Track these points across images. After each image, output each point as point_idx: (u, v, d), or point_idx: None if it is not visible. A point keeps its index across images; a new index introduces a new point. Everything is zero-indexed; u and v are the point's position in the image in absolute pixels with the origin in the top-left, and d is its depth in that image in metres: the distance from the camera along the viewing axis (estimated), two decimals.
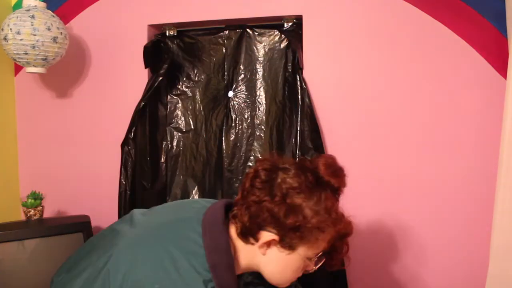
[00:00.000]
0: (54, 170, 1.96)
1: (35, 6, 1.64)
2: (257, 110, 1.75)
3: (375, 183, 1.61)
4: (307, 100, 1.61)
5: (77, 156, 1.92)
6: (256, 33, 1.76)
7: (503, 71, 1.47)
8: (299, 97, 1.62)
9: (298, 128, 1.63)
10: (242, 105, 1.77)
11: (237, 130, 1.77)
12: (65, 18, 1.85)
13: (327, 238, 0.90)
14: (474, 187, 1.52)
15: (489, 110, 1.50)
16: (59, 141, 1.95)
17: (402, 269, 1.61)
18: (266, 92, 1.74)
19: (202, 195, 1.79)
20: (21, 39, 1.61)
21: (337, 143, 1.64)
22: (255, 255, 0.90)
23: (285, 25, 1.69)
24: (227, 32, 1.78)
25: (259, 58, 1.76)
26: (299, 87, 1.62)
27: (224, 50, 1.79)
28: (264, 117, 1.74)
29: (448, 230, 1.56)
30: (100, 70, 1.88)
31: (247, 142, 1.75)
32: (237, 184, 1.75)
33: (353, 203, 1.63)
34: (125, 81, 1.84)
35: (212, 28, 1.80)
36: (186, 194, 1.80)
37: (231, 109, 1.78)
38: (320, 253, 0.92)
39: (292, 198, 0.85)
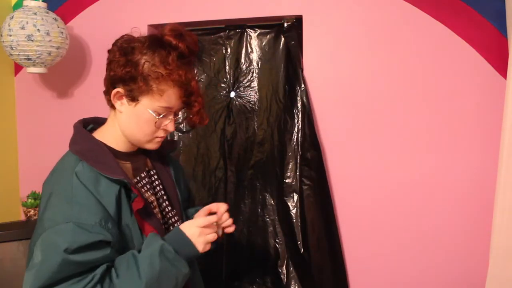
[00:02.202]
0: None
1: (38, 6, 1.65)
2: (258, 110, 1.75)
3: (374, 182, 1.61)
4: (307, 99, 1.61)
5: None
6: (256, 33, 1.76)
7: (503, 71, 1.47)
8: (300, 96, 1.62)
9: (299, 127, 1.63)
10: (244, 105, 1.77)
11: (238, 130, 1.77)
12: (65, 18, 1.85)
13: (166, 91, 0.95)
14: (474, 187, 1.52)
15: (489, 110, 1.49)
16: (59, 141, 1.94)
17: (402, 269, 1.61)
18: (267, 92, 1.74)
19: (202, 195, 1.79)
20: (3, 41, 1.63)
21: (336, 142, 1.64)
22: (118, 117, 1.00)
23: (285, 25, 1.69)
24: (227, 32, 1.78)
25: (260, 58, 1.76)
26: (299, 87, 1.63)
27: (224, 50, 1.79)
28: (265, 117, 1.74)
29: (448, 230, 1.56)
30: (100, 70, 1.87)
31: (248, 142, 1.75)
32: (237, 185, 1.75)
33: (353, 203, 1.64)
34: None
35: (212, 28, 1.80)
36: None
37: (233, 109, 1.78)
38: (171, 109, 0.99)
39: (131, 54, 0.95)
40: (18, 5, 1.84)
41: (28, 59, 1.65)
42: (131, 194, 0.93)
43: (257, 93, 1.75)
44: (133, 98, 0.96)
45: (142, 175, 1.05)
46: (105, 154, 0.96)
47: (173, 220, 1.08)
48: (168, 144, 1.16)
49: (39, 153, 1.98)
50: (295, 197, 1.64)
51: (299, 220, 1.62)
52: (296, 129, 1.64)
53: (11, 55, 1.66)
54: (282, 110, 1.70)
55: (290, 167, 1.65)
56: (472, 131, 1.52)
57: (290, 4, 1.65)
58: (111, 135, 1.02)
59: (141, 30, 1.79)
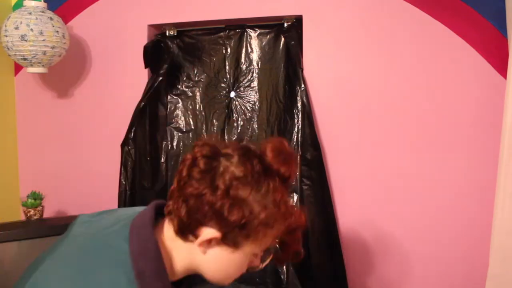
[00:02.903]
0: (54, 170, 1.96)
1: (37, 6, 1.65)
2: (258, 110, 1.75)
3: (374, 182, 1.61)
4: (307, 99, 1.61)
5: (77, 156, 1.92)
6: (256, 33, 1.76)
7: (503, 71, 1.47)
8: (300, 96, 1.62)
9: (299, 127, 1.63)
10: (244, 105, 1.77)
11: (238, 130, 1.77)
12: (65, 18, 1.85)
13: (276, 233, 0.78)
14: (474, 187, 1.52)
15: (489, 110, 1.49)
16: (59, 141, 1.95)
17: (401, 269, 1.61)
18: (267, 92, 1.74)
19: None
20: (2, 41, 1.64)
21: (336, 142, 1.64)
22: (195, 255, 0.77)
23: (285, 25, 1.69)
24: (227, 32, 1.78)
25: (260, 58, 1.76)
26: (299, 87, 1.63)
27: (224, 50, 1.79)
28: (265, 117, 1.74)
29: (448, 230, 1.56)
30: (100, 70, 1.88)
31: (248, 142, 1.75)
32: None
33: (353, 203, 1.64)
34: (125, 81, 1.84)
35: (212, 28, 1.80)
36: None
37: (233, 109, 1.78)
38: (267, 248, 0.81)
39: (236, 190, 0.72)
40: (18, 5, 1.84)
41: (24, 59, 1.65)
42: None
43: (257, 93, 1.75)
44: (234, 245, 0.75)
45: None
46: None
47: None
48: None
49: (39, 153, 1.98)
50: (295, 197, 1.63)
51: None
52: (296, 129, 1.64)
53: (9, 55, 1.67)
54: (282, 110, 1.70)
55: None
56: (472, 131, 1.52)
57: (290, 4, 1.65)
58: (169, 261, 0.78)
59: (141, 30, 1.80)
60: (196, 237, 0.75)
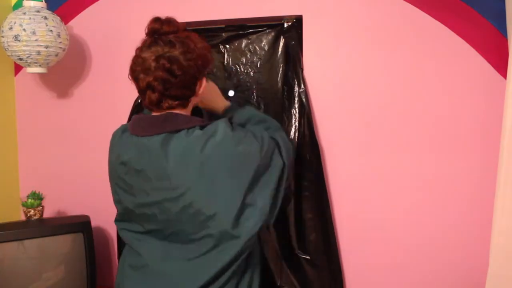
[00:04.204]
0: (54, 170, 1.96)
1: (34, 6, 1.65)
2: (257, 109, 1.75)
3: (374, 182, 1.61)
4: (306, 99, 1.61)
5: (77, 156, 1.92)
6: (256, 33, 1.76)
7: (503, 71, 1.47)
8: (298, 97, 1.62)
9: (297, 128, 1.63)
10: (243, 104, 1.77)
11: None
12: (65, 18, 1.85)
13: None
14: (474, 187, 1.52)
15: (489, 110, 1.49)
16: (59, 141, 1.95)
17: (400, 269, 1.61)
18: (265, 92, 1.74)
19: None
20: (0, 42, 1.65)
21: (336, 142, 1.64)
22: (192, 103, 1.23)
23: (285, 25, 1.69)
24: (227, 32, 1.78)
25: (259, 58, 1.76)
26: (299, 87, 1.63)
27: (224, 50, 1.79)
28: None
29: (448, 230, 1.56)
30: (100, 70, 1.88)
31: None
32: None
33: (352, 203, 1.64)
34: (125, 81, 1.83)
35: (212, 28, 1.80)
36: None
37: None
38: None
39: (169, 59, 1.12)
40: (18, 5, 1.85)
41: (20, 59, 1.65)
42: None
43: (256, 93, 1.75)
44: (206, 78, 1.22)
45: None
46: None
47: None
48: None
49: (39, 153, 1.98)
50: (291, 196, 1.63)
51: (294, 220, 1.62)
52: (293, 129, 1.64)
53: (8, 55, 1.67)
54: (280, 110, 1.70)
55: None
56: (472, 131, 1.52)
57: (290, 4, 1.65)
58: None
59: (141, 30, 1.79)
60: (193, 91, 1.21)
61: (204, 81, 1.19)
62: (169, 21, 1.20)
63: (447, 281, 1.57)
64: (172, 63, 1.10)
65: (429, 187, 1.56)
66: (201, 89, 1.18)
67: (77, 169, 1.92)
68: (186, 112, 1.19)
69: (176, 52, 1.11)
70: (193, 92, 1.16)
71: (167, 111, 1.14)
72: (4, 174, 1.92)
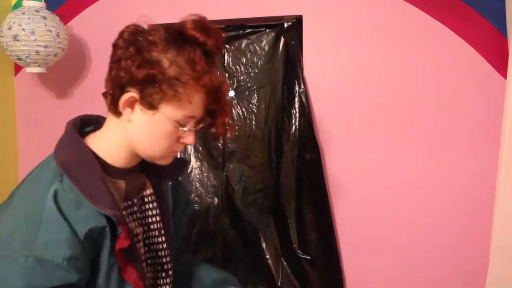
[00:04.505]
0: None
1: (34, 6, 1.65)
2: (257, 110, 1.75)
3: (373, 183, 1.61)
4: (306, 100, 1.61)
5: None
6: (256, 33, 1.76)
7: (503, 71, 1.47)
8: (298, 97, 1.62)
9: (297, 128, 1.63)
10: (242, 104, 1.77)
11: (237, 129, 1.77)
12: (65, 18, 1.85)
13: (194, 97, 0.80)
14: (474, 187, 1.52)
15: (489, 110, 1.49)
16: None
17: (400, 269, 1.61)
18: (265, 92, 1.74)
19: (201, 193, 1.79)
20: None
21: (335, 142, 1.64)
22: (125, 127, 0.82)
23: (285, 25, 1.69)
24: (227, 32, 1.78)
25: (259, 58, 1.76)
26: (299, 87, 1.63)
27: (224, 50, 1.79)
28: (263, 117, 1.74)
29: (448, 230, 1.56)
30: (100, 70, 1.87)
31: (246, 142, 1.75)
32: (236, 184, 1.75)
33: (352, 203, 1.64)
34: None
35: None
36: None
37: (232, 109, 1.78)
38: (194, 119, 0.84)
39: (148, 52, 0.78)
40: (18, 5, 1.84)
41: (19, 59, 1.65)
42: (116, 228, 0.76)
43: (256, 93, 1.75)
44: (151, 106, 0.79)
45: (135, 200, 0.89)
46: (94, 172, 0.78)
47: (162, 255, 0.92)
48: (176, 167, 0.95)
49: (39, 153, 1.97)
50: (291, 197, 1.64)
51: (294, 220, 1.62)
52: (293, 130, 1.63)
53: (7, 55, 1.67)
54: (280, 110, 1.70)
55: (286, 167, 1.65)
56: (472, 131, 1.52)
57: (290, 4, 1.65)
58: (108, 146, 0.84)
59: None
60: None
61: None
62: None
63: (447, 282, 1.56)
64: None
65: (429, 186, 1.56)
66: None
67: None
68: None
69: None
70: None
71: None
72: (4, 174, 1.92)
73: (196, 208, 1.74)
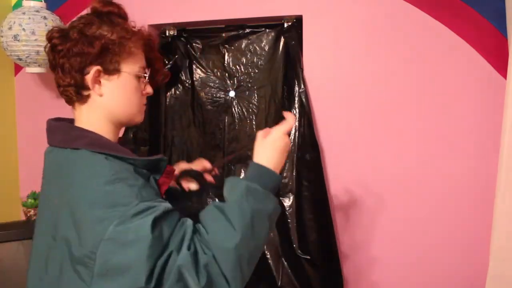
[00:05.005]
0: None
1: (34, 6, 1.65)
2: (257, 109, 1.75)
3: (373, 183, 1.61)
4: (306, 100, 1.61)
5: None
6: (256, 33, 1.76)
7: (503, 71, 1.47)
8: (298, 97, 1.62)
9: (297, 128, 1.63)
10: (243, 104, 1.77)
11: (237, 129, 1.77)
12: (65, 18, 1.84)
13: (139, 49, 0.96)
14: (474, 187, 1.52)
15: (489, 110, 1.49)
16: None
17: (400, 269, 1.61)
18: (265, 92, 1.74)
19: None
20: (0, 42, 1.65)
21: (335, 142, 1.64)
22: (99, 105, 0.93)
23: (285, 25, 1.69)
24: (227, 32, 1.78)
25: (259, 58, 1.76)
26: (299, 87, 1.63)
27: (224, 50, 1.79)
28: (263, 117, 1.74)
29: (448, 230, 1.56)
30: None
31: (246, 142, 1.75)
32: None
33: (352, 203, 1.64)
34: None
35: (212, 28, 1.80)
36: None
37: (232, 109, 1.78)
38: (145, 69, 0.97)
39: (90, 30, 0.90)
40: (18, 5, 1.84)
41: (20, 59, 1.65)
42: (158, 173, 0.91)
43: (257, 93, 1.76)
44: (114, 69, 0.91)
45: None
46: (113, 142, 0.92)
47: None
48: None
49: (39, 153, 1.97)
50: (291, 197, 1.64)
51: (294, 220, 1.62)
52: (293, 130, 1.64)
53: (7, 55, 1.67)
54: (280, 110, 1.70)
55: (286, 167, 1.65)
56: (472, 131, 1.52)
57: (290, 4, 1.65)
58: (96, 129, 0.92)
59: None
60: (88, 87, 0.91)
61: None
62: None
63: (447, 282, 1.56)
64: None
65: (429, 186, 1.56)
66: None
67: None
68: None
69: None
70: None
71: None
72: (4, 174, 1.92)
73: None
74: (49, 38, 0.93)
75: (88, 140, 0.88)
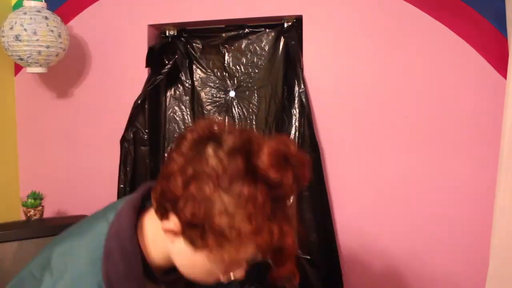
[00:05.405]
0: (54, 170, 1.96)
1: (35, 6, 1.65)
2: (257, 109, 1.75)
3: (373, 183, 1.61)
4: (306, 100, 1.61)
5: (77, 156, 1.92)
6: (256, 33, 1.76)
7: (503, 71, 1.47)
8: (298, 97, 1.62)
9: (297, 128, 1.63)
10: (243, 104, 1.77)
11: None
12: (65, 18, 1.85)
13: (247, 249, 0.65)
14: (474, 187, 1.52)
15: (489, 110, 1.49)
16: (59, 141, 1.94)
17: (399, 270, 1.61)
18: (266, 92, 1.74)
19: None
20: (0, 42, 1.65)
21: (335, 142, 1.64)
22: (167, 241, 0.70)
23: (285, 25, 1.69)
24: (227, 32, 1.78)
25: (259, 58, 1.76)
26: (299, 87, 1.63)
27: (224, 50, 1.79)
28: (263, 117, 1.74)
29: (448, 230, 1.55)
30: (100, 70, 1.88)
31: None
32: None
33: (352, 203, 1.64)
34: (125, 81, 1.84)
35: (212, 28, 1.80)
36: None
37: (233, 109, 1.78)
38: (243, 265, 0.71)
39: (199, 185, 0.62)
40: (18, 5, 1.84)
41: (21, 59, 1.65)
42: None
43: (257, 93, 1.76)
44: (192, 244, 0.66)
45: None
46: None
47: None
48: None
49: (39, 153, 1.97)
50: (291, 197, 1.63)
51: (294, 220, 1.62)
52: (293, 130, 1.64)
53: (8, 55, 1.67)
54: (280, 110, 1.70)
55: None
56: (472, 131, 1.52)
57: (290, 4, 1.65)
58: (156, 245, 0.72)
59: (141, 30, 1.80)
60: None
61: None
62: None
63: (447, 282, 1.56)
64: None
65: (429, 186, 1.56)
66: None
67: (77, 169, 1.92)
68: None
69: None
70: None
71: None
72: (4, 174, 1.92)
73: None
74: (185, 133, 0.69)
75: (113, 271, 0.67)
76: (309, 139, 1.61)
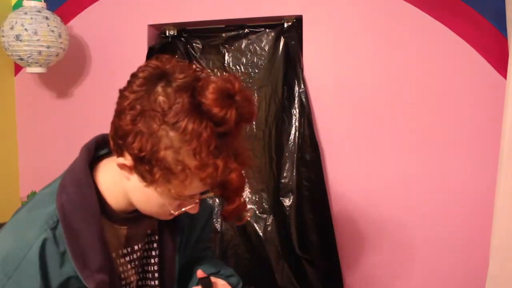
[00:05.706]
0: (54, 170, 1.94)
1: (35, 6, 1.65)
2: (257, 109, 1.75)
3: (373, 183, 1.61)
4: (306, 100, 1.61)
5: (77, 156, 1.92)
6: (256, 33, 1.76)
7: (503, 71, 1.47)
8: (299, 97, 1.62)
9: (297, 128, 1.63)
10: None
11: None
12: (65, 18, 1.85)
13: (194, 184, 0.66)
14: (474, 187, 1.52)
15: (489, 110, 1.49)
16: (59, 141, 1.94)
17: (399, 270, 1.61)
18: (266, 92, 1.74)
19: None
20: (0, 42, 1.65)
21: (335, 142, 1.64)
22: (123, 180, 0.72)
23: (285, 25, 1.69)
24: (227, 32, 1.78)
25: (259, 58, 1.76)
26: (299, 87, 1.63)
27: (224, 50, 1.79)
28: (263, 117, 1.74)
29: (448, 230, 1.56)
30: (100, 70, 1.88)
31: (246, 142, 1.75)
32: None
33: (352, 203, 1.64)
34: (125, 81, 1.83)
35: (212, 28, 1.80)
36: None
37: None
38: (194, 197, 0.72)
39: (146, 120, 0.63)
40: (18, 5, 1.84)
41: (21, 59, 1.65)
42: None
43: (257, 93, 1.75)
44: (143, 178, 0.67)
45: (136, 247, 0.80)
46: (93, 222, 0.70)
47: None
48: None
49: (39, 153, 1.97)
50: (291, 197, 1.64)
51: (295, 220, 1.62)
52: (293, 130, 1.64)
53: (8, 55, 1.67)
54: (280, 110, 1.70)
55: (287, 167, 1.65)
56: (472, 131, 1.52)
57: (290, 4, 1.65)
58: (111, 184, 0.75)
59: (141, 30, 1.80)
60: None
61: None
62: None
63: (447, 282, 1.56)
64: None
65: (429, 186, 1.56)
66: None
67: None
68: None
69: None
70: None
71: None
72: (4, 174, 1.92)
73: None
74: (137, 71, 0.73)
75: (66, 199, 0.71)
76: (309, 139, 1.61)
